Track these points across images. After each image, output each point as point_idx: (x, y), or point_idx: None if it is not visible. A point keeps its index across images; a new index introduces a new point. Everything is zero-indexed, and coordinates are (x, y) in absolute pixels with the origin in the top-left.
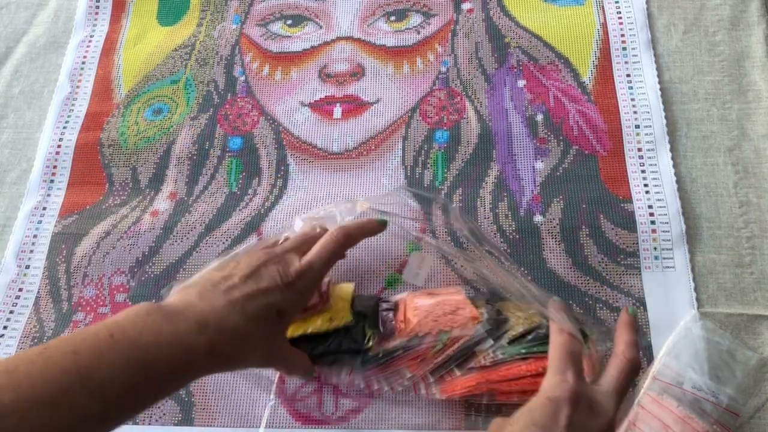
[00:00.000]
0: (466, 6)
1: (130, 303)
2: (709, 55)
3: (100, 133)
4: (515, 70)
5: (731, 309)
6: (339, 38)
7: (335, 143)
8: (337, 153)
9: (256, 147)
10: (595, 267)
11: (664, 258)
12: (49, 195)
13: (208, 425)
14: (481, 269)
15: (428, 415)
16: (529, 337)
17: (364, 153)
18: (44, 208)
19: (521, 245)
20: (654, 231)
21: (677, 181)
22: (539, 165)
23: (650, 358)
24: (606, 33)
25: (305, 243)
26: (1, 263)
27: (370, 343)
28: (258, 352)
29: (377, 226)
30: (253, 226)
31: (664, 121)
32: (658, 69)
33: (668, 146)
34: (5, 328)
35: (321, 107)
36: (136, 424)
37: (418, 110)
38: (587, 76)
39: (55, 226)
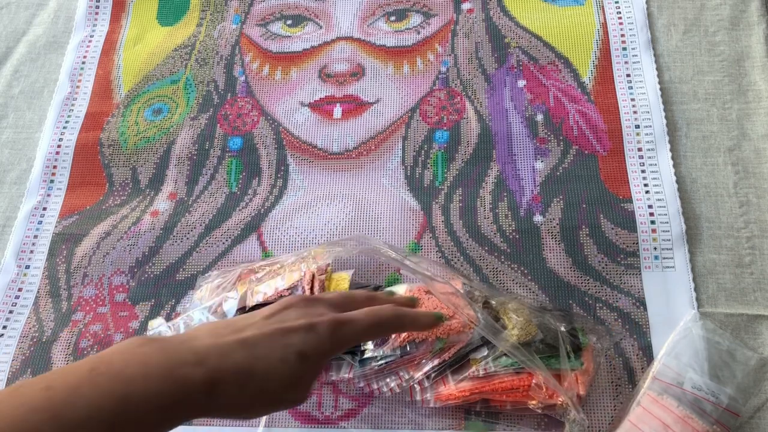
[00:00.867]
0: (466, 6)
1: (129, 303)
2: (709, 55)
3: (100, 133)
4: (515, 70)
5: (731, 309)
6: (339, 38)
7: (335, 143)
8: (337, 153)
9: (256, 147)
10: (595, 267)
11: (664, 258)
12: (49, 195)
13: (207, 424)
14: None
15: (428, 415)
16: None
17: (364, 153)
18: (44, 208)
19: (521, 245)
20: (654, 231)
21: (677, 181)
22: (539, 165)
23: (650, 358)
24: (606, 33)
25: (345, 300)
26: (1, 263)
27: (368, 346)
28: (268, 398)
29: (433, 321)
30: (253, 226)
31: (664, 121)
32: (658, 69)
33: (668, 146)
34: (5, 327)
35: (321, 107)
36: None
37: (418, 110)
38: (587, 76)
39: (56, 226)
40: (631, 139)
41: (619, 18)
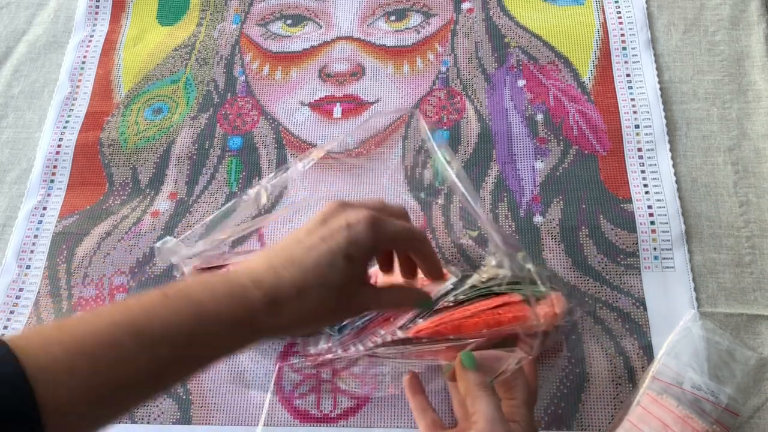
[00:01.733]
0: (466, 6)
1: None
2: (709, 54)
3: (100, 133)
4: (515, 69)
5: (731, 309)
6: (339, 38)
7: (335, 143)
8: (337, 153)
9: (256, 146)
10: (594, 267)
11: (664, 258)
12: (49, 195)
13: (206, 424)
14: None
15: None
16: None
17: (364, 153)
18: (44, 208)
19: (521, 245)
20: (654, 231)
21: (677, 181)
22: (539, 165)
23: (650, 358)
24: (606, 33)
25: (381, 204)
26: (2, 263)
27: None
28: (327, 306)
29: (440, 271)
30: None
31: (664, 121)
32: (657, 69)
33: (668, 146)
34: (5, 328)
35: (321, 107)
36: (135, 423)
37: (418, 110)
38: (587, 75)
39: (56, 226)
40: (630, 139)
41: (619, 18)
